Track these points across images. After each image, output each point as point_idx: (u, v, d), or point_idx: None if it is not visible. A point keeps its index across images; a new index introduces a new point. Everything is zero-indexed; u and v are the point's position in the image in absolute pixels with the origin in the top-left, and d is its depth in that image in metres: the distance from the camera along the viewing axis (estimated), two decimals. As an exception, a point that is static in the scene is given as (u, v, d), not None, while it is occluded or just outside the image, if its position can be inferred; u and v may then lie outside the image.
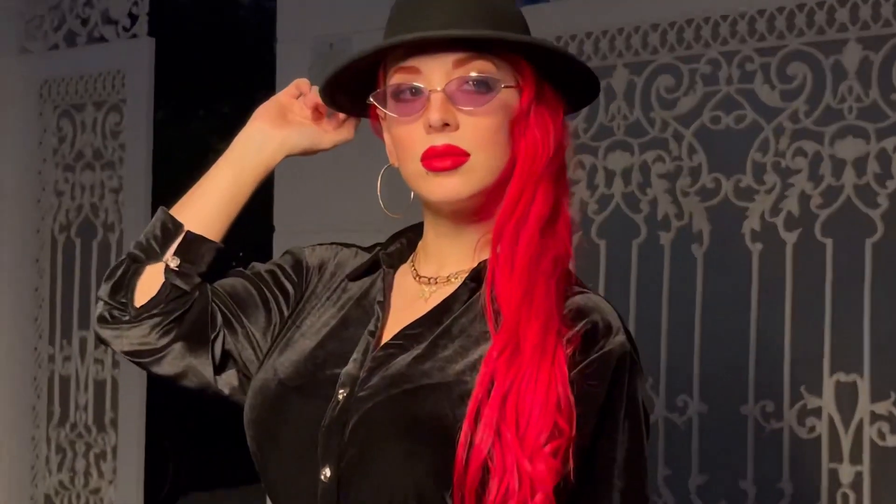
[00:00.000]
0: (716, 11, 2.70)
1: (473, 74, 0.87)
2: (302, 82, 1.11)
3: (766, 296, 2.66)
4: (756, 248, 2.61)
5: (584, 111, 2.84)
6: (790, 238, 2.61)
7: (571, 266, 0.94)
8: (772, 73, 2.67)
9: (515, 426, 0.79)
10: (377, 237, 1.12)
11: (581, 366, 0.83)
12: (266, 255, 3.46)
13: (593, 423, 0.84)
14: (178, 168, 4.93)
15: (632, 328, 2.83)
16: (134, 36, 3.88)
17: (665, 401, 2.81)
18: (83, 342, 4.19)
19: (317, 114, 1.08)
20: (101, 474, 4.07)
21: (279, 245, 3.39)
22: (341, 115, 1.08)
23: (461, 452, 0.78)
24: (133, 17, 3.96)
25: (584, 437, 0.82)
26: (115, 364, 4.02)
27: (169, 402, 5.02)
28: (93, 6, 4.13)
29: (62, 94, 4.26)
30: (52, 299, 4.24)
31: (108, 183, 4.05)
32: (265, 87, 3.79)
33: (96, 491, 4.06)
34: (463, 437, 0.77)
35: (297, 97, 1.09)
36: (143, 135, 3.87)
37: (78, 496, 4.15)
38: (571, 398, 0.80)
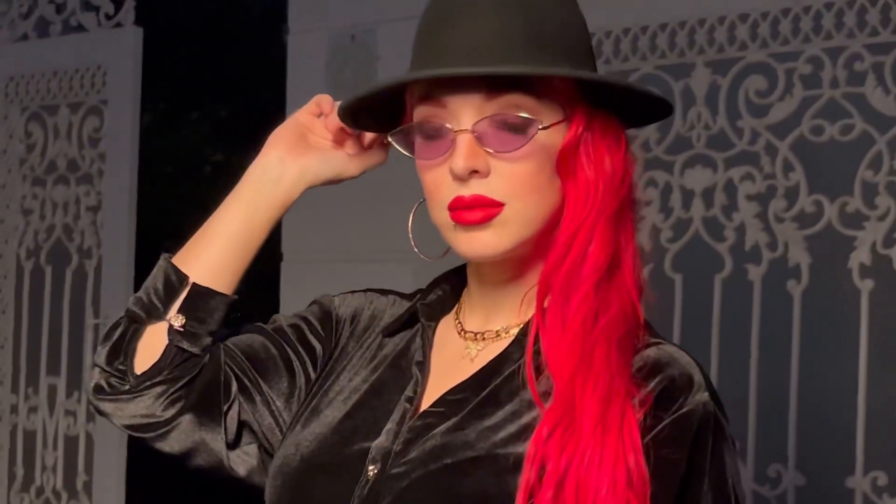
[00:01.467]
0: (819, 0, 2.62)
1: (506, 112, 0.87)
2: (323, 98, 1.09)
3: (877, 344, 2.58)
4: (866, 285, 2.54)
5: (657, 118, 2.80)
6: None
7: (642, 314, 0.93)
8: (886, 75, 2.56)
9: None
10: (401, 269, 1.06)
11: (656, 430, 0.82)
12: (272, 287, 3.42)
13: (672, 499, 0.83)
14: (167, 182, 4.84)
15: (712, 381, 2.86)
16: (118, 25, 3.85)
17: (754, 471, 2.76)
18: (52, 390, 4.07)
19: (342, 135, 1.06)
20: None
21: (288, 275, 3.43)
22: (368, 136, 1.07)
23: None
24: (117, 4, 3.88)
25: None
26: (91, 417, 3.94)
27: (153, 463, 5.23)
28: (70, -11, 4.07)
29: (31, 93, 4.20)
30: (17, 338, 4.19)
31: (85, 200, 3.99)
32: (272, 87, 3.81)
33: None
34: None
35: (318, 116, 1.07)
36: (127, 142, 3.84)
37: None
38: (645, 471, 0.79)
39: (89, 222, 3.95)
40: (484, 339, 0.98)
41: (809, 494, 2.73)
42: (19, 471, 4.16)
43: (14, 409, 4.16)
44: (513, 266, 0.94)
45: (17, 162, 4.24)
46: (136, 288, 1.11)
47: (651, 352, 0.88)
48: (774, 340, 2.74)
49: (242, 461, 1.07)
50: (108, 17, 3.97)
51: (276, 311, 1.23)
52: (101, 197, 3.92)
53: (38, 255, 4.15)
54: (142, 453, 4.24)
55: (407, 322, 1.06)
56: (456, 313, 1.04)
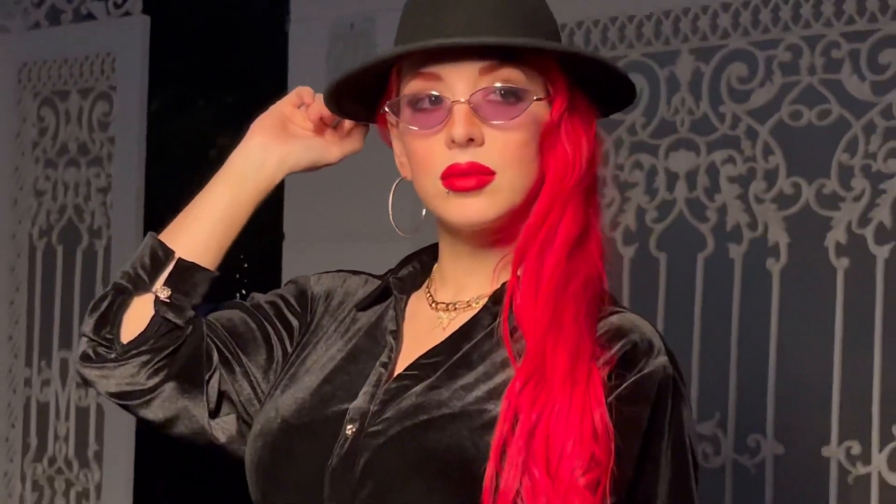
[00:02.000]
0: (799, -13, 2.69)
1: (501, 84, 0.90)
2: (303, 90, 1.14)
3: (852, 319, 2.65)
4: (841, 263, 2.60)
5: (644, 104, 2.90)
6: (882, 253, 2.58)
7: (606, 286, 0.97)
8: (862, 62, 2.64)
9: (546, 462, 0.82)
10: (398, 248, 1.15)
11: (619, 390, 0.86)
12: (274, 266, 3.52)
13: (634, 453, 0.87)
14: (174, 165, 4.91)
15: (695, 355, 2.94)
16: (126, 13, 3.88)
17: (734, 441, 2.82)
18: (64, 364, 4.15)
19: (321, 125, 1.12)
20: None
21: (289, 255, 3.50)
22: (347, 124, 1.12)
23: (487, 498, 0.80)
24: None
25: (624, 468, 0.85)
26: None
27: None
28: (80, -23, 4.11)
29: (44, 79, 4.23)
30: (30, 315, 4.26)
31: (96, 182, 4.04)
32: (275, 74, 3.91)
33: None
34: (487, 479, 0.80)
35: (299, 107, 1.12)
36: (135, 127, 3.89)
37: None
38: (609, 426, 0.83)
39: (99, 203, 3.99)
40: (455, 308, 1.02)
41: (787, 463, 2.82)
42: (33, 441, 4.21)
43: (28, 383, 4.22)
44: (490, 234, 0.98)
45: (30, 145, 4.27)
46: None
47: (614, 318, 0.93)
48: (754, 316, 2.81)
49: (222, 429, 1.10)
50: (117, 6, 3.99)
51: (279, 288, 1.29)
52: (110, 179, 3.95)
53: (49, 234, 4.18)
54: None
55: (379, 297, 1.10)
56: (427, 287, 1.08)
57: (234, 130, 1.26)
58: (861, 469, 2.66)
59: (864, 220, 2.64)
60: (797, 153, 2.74)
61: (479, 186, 0.90)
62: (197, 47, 5.10)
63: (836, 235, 2.67)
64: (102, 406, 4.03)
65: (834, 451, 2.67)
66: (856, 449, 2.65)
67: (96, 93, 4.06)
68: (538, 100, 0.93)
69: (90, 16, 4.09)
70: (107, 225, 3.99)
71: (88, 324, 1.09)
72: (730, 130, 2.79)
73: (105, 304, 1.08)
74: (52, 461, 4.19)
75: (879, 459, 2.69)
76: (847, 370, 2.72)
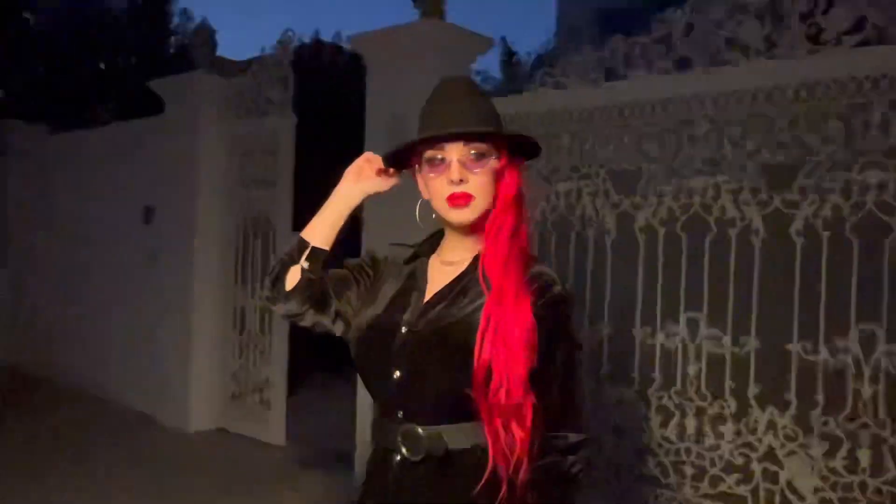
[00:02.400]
0: None
1: (474, 152, 1.25)
2: (369, 154, 1.44)
3: (628, 265, 3.94)
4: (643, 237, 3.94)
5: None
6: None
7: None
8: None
9: (504, 342, 1.18)
10: (420, 233, 1.51)
11: (538, 304, 1.24)
12: (357, 244, 4.23)
13: (546, 337, 1.23)
14: (307, 192, 5.42)
15: (587, 290, 4.15)
16: (283, 110, 5.36)
17: (588, 328, 4.07)
18: (254, 290, 5.65)
19: (379, 171, 1.41)
20: (265, 362, 5.65)
21: (365, 237, 4.52)
22: (391, 171, 1.41)
23: (476, 361, 1.18)
24: (277, 100, 5.38)
25: (542, 345, 1.21)
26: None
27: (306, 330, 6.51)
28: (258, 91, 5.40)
29: (245, 149, 5.79)
30: (240, 264, 5.82)
31: (267, 199, 5.52)
32: (360, 141, 4.89)
33: (263, 376, 5.60)
34: (476, 352, 1.18)
35: (366, 162, 1.41)
36: (288, 175, 5.40)
37: (251, 386, 5.70)
38: (535, 323, 1.21)
39: (269, 214, 5.48)
40: (453, 264, 1.38)
41: (615, 339, 4.06)
42: (246, 330, 5.83)
43: (237, 296, 5.79)
44: (470, 228, 1.32)
45: (239, 177, 5.86)
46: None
47: (535, 269, 1.30)
48: (601, 272, 4.07)
49: (338, 328, 1.45)
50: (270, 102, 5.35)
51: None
52: (275, 197, 5.47)
53: (246, 227, 5.71)
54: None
55: (412, 258, 1.46)
56: (437, 253, 1.43)
57: (337, 172, 1.51)
58: (649, 340, 3.94)
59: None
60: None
61: (466, 204, 1.26)
62: (321, 128, 6.53)
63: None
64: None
65: (641, 331, 3.97)
66: (655, 330, 3.94)
67: (267, 152, 5.55)
68: (494, 158, 1.27)
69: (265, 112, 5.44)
70: (271, 225, 5.45)
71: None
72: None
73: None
74: (247, 332, 5.77)
75: (660, 336, 3.88)
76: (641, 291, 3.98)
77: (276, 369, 5.55)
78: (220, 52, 6.38)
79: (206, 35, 5.90)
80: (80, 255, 7.32)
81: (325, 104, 8.07)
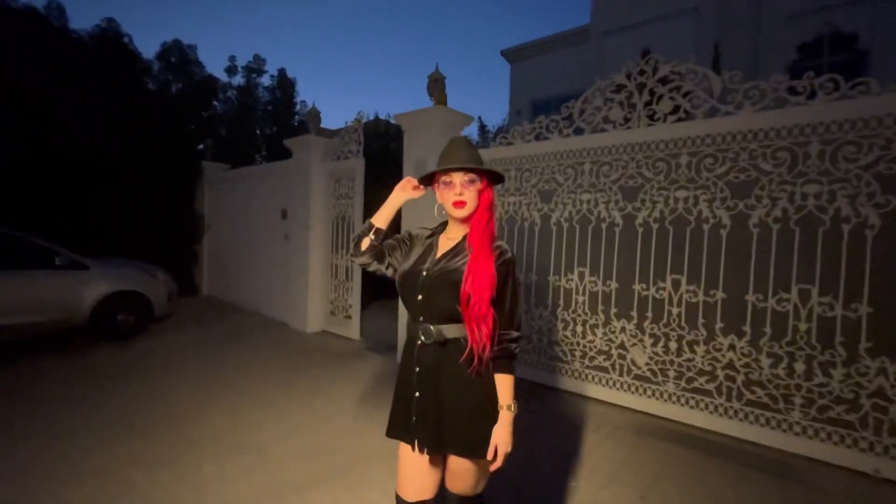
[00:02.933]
0: None
1: (468, 178, 1.27)
2: (409, 177, 1.42)
3: (547, 242, 3.91)
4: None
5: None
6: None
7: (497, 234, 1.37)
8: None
9: (478, 282, 1.21)
10: (431, 225, 1.48)
11: (498, 262, 1.25)
12: (397, 228, 4.11)
13: (501, 279, 1.25)
14: (370, 201, 6.43)
15: (524, 256, 4.10)
16: (357, 156, 5.33)
17: (527, 268, 4.10)
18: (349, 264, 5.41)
19: (414, 186, 1.40)
20: (348, 295, 5.40)
21: (403, 226, 4.35)
22: (421, 187, 1.40)
23: (462, 291, 1.22)
24: (354, 151, 5.23)
25: (499, 283, 1.24)
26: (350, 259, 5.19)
27: (367, 271, 5.44)
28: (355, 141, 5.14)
29: (336, 178, 5.60)
30: (333, 241, 5.65)
31: (349, 204, 5.43)
32: (401, 169, 4.96)
33: (348, 303, 5.49)
34: (462, 285, 1.23)
35: (407, 181, 1.41)
36: (360, 190, 5.30)
37: (341, 308, 5.52)
38: (495, 274, 1.23)
39: (352, 212, 5.29)
40: (452, 239, 1.36)
41: (539, 284, 4.02)
42: (337, 276, 5.56)
43: (332, 259, 5.54)
44: (462, 220, 1.31)
45: (333, 193, 5.60)
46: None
47: (497, 243, 1.29)
48: (542, 246, 4.17)
49: (389, 272, 1.42)
50: (356, 153, 5.24)
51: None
52: (353, 205, 5.30)
53: (337, 219, 5.46)
54: (367, 274, 5.36)
55: (430, 235, 1.42)
56: (444, 233, 1.40)
57: (387, 191, 1.49)
58: (562, 284, 3.90)
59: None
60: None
61: (462, 206, 1.27)
62: (377, 166, 6.43)
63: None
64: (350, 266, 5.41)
65: (553, 278, 3.98)
66: (561, 278, 3.92)
67: (348, 179, 5.40)
68: (478, 182, 1.28)
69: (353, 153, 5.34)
70: (353, 219, 5.32)
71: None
72: None
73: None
74: (339, 280, 5.55)
75: (564, 279, 3.87)
76: (553, 257, 3.98)
77: (354, 299, 5.48)
78: (322, 123, 6.37)
79: (315, 114, 5.79)
80: (247, 236, 7.23)
81: (379, 152, 8.09)
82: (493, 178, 1.33)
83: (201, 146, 8.69)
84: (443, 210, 1.35)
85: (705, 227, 3.21)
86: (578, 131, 3.86)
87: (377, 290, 7.42)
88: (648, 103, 3.45)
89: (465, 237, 1.31)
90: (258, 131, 11.32)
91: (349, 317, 5.54)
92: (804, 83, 2.84)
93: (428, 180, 1.37)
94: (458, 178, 1.27)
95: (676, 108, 3.33)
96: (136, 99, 7.32)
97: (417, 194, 1.40)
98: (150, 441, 2.84)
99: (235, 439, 2.89)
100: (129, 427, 3.01)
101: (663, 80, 3.40)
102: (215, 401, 3.50)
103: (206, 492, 2.34)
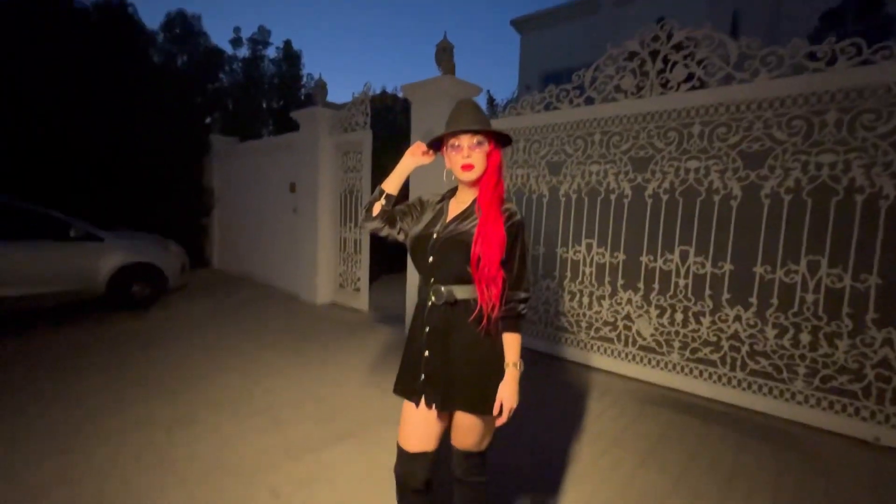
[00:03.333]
0: None
1: (476, 141, 1.25)
2: (419, 143, 1.39)
3: (555, 214, 3.91)
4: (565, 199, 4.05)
5: None
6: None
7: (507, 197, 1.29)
8: None
9: (487, 243, 1.19)
10: (441, 191, 1.45)
11: (507, 225, 1.24)
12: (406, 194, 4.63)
13: (510, 241, 1.23)
14: (377, 174, 6.21)
15: (532, 228, 4.10)
16: (365, 128, 5.20)
17: (534, 240, 4.12)
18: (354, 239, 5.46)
19: (424, 152, 1.37)
20: (357, 267, 5.55)
21: (412, 193, 4.52)
22: (431, 151, 1.37)
23: (472, 252, 1.21)
24: (361, 123, 5.21)
25: (508, 245, 1.23)
26: (359, 232, 5.35)
27: (375, 245, 6.07)
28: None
29: (344, 150, 5.50)
30: (341, 214, 5.65)
31: (356, 177, 5.39)
32: (408, 136, 4.79)
33: (356, 275, 5.51)
34: (472, 247, 1.21)
35: (417, 146, 1.38)
36: (367, 162, 5.22)
37: (350, 280, 5.54)
38: (504, 234, 1.21)
39: (360, 185, 5.18)
40: (462, 203, 1.34)
41: (546, 256, 4.06)
42: (345, 250, 5.57)
43: (342, 234, 5.53)
44: (471, 184, 1.30)
45: (342, 166, 5.54)
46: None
47: (506, 206, 1.27)
48: (551, 218, 4.19)
49: (401, 237, 1.41)
50: (363, 126, 5.06)
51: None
52: (361, 178, 5.24)
53: (347, 194, 5.50)
54: (373, 243, 5.58)
55: (441, 200, 1.41)
56: (455, 197, 1.38)
57: (394, 162, 1.47)
58: (569, 256, 3.92)
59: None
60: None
61: (470, 169, 1.26)
62: (384, 139, 6.28)
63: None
64: (360, 239, 5.37)
65: (560, 250, 4.01)
66: (569, 249, 3.93)
67: (356, 152, 5.36)
68: (486, 145, 1.26)
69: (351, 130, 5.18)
70: (358, 193, 5.20)
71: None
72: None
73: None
74: (347, 252, 5.57)
75: (571, 251, 3.88)
76: (561, 229, 3.96)
77: (363, 272, 5.50)
78: (328, 97, 6.23)
79: (322, 85, 5.70)
80: (256, 210, 7.23)
81: (386, 127, 8.01)
82: (500, 141, 1.32)
83: (208, 119, 8.63)
84: (452, 175, 1.33)
85: (716, 198, 3.18)
86: (589, 101, 3.79)
87: (385, 264, 7.42)
88: (661, 71, 3.37)
89: (474, 200, 1.30)
90: (264, 105, 11.19)
91: (358, 289, 5.55)
92: (824, 48, 2.74)
93: (437, 145, 1.35)
94: (465, 140, 1.26)
95: (690, 77, 3.24)
96: (142, 71, 7.24)
97: (427, 160, 1.39)
98: (169, 403, 2.95)
99: (250, 403, 2.99)
100: (149, 390, 3.12)
101: (677, 47, 3.30)
102: (230, 367, 3.60)
103: (223, 449, 2.44)
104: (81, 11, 6.97)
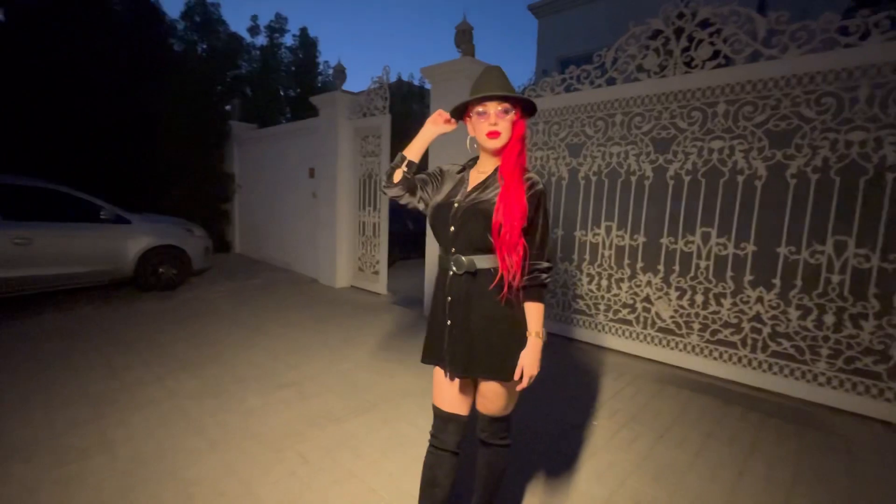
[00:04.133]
0: None
1: (502, 108, 1.23)
2: (441, 111, 1.36)
3: (574, 197, 3.89)
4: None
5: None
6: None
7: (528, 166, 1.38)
8: None
9: (509, 212, 1.19)
10: (463, 160, 1.45)
11: (528, 194, 1.24)
12: (425, 163, 4.30)
13: (532, 210, 1.23)
14: (394, 151, 6.38)
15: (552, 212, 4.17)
16: (383, 113, 5.24)
17: (553, 223, 4.14)
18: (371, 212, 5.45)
19: (446, 120, 1.35)
20: (375, 251, 5.49)
21: (431, 163, 4.65)
22: (453, 119, 1.35)
23: (493, 221, 1.21)
24: (380, 107, 5.11)
25: (529, 213, 1.23)
26: (378, 216, 5.35)
27: (395, 231, 6.44)
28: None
29: (363, 135, 5.59)
30: (360, 198, 5.67)
31: (375, 162, 5.31)
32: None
33: (375, 259, 5.51)
34: (494, 215, 1.21)
35: (439, 115, 1.35)
36: (386, 146, 5.25)
37: (368, 264, 5.58)
38: (526, 203, 1.21)
39: (375, 166, 5.26)
40: (484, 173, 1.33)
41: (565, 239, 4.02)
42: (363, 232, 5.61)
43: (359, 216, 5.61)
44: (495, 152, 1.28)
45: (360, 151, 5.59)
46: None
47: (528, 175, 1.26)
48: (570, 201, 4.16)
49: (421, 206, 1.39)
50: (382, 110, 5.15)
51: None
52: (379, 163, 5.31)
53: (364, 178, 5.49)
54: (391, 224, 5.87)
55: (461, 170, 1.40)
56: (476, 167, 1.37)
57: (415, 130, 1.40)
58: (588, 239, 3.91)
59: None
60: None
61: (497, 136, 1.24)
62: (402, 123, 6.48)
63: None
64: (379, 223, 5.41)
65: (579, 233, 3.98)
66: (587, 232, 3.90)
67: (375, 136, 5.39)
68: (512, 113, 1.24)
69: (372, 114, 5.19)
70: (377, 178, 5.33)
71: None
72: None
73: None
74: (366, 236, 5.62)
75: (590, 234, 3.80)
76: (579, 213, 3.89)
77: (381, 255, 5.51)
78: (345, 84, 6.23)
79: (341, 70, 5.70)
80: (276, 195, 7.28)
81: (403, 113, 8.01)
82: (525, 109, 1.30)
83: (228, 106, 8.75)
84: (475, 143, 1.32)
85: (739, 178, 3.13)
86: (610, 82, 3.74)
87: (404, 250, 7.48)
88: (686, 49, 3.31)
89: (496, 170, 1.29)
90: (282, 92, 11.29)
91: (377, 272, 5.57)
92: (858, 21, 2.67)
93: (459, 113, 1.34)
94: (492, 107, 1.24)
95: (716, 54, 3.18)
96: (164, 60, 7.39)
97: (449, 128, 1.37)
98: (197, 376, 3.06)
99: (274, 377, 3.08)
100: (179, 364, 3.24)
101: (703, 25, 3.23)
102: (254, 344, 3.70)
103: (250, 419, 2.53)
104: (107, 4, 7.16)
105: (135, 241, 4.93)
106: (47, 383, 2.85)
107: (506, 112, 1.23)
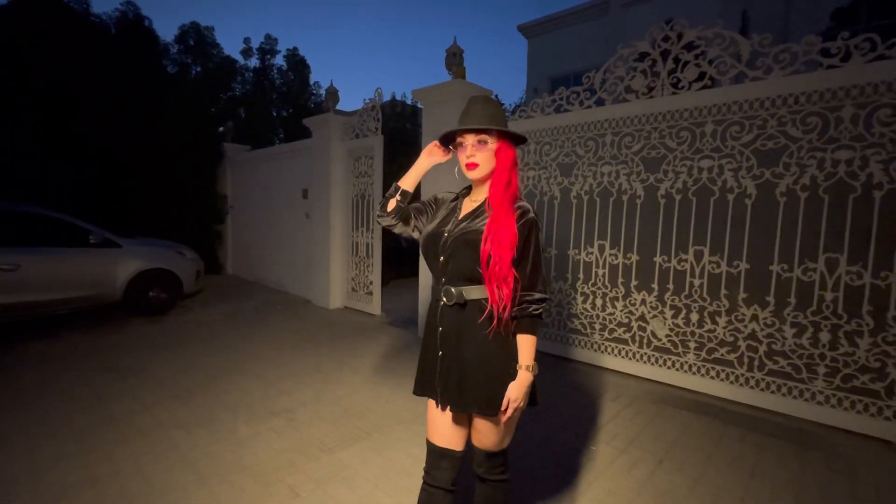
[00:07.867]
0: None
1: (478, 140, 1.24)
2: (435, 142, 1.37)
3: (566, 216, 3.86)
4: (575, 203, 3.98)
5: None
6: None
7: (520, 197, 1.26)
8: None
9: (498, 242, 1.17)
10: (457, 186, 1.52)
11: (519, 224, 1.21)
12: (418, 195, 4.72)
13: (523, 240, 1.20)
14: (389, 179, 5.53)
15: (544, 230, 4.09)
16: (376, 134, 5.22)
17: (546, 242, 4.06)
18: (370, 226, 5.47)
19: (441, 150, 1.37)
20: (369, 272, 5.53)
21: (423, 193, 4.60)
22: (446, 150, 1.37)
23: (483, 253, 1.19)
24: (372, 128, 5.17)
25: (520, 244, 1.20)
26: (371, 236, 5.33)
27: (389, 250, 6.42)
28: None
29: (356, 156, 5.52)
30: (353, 219, 5.65)
31: (367, 182, 5.35)
32: (419, 143, 5.03)
33: (368, 279, 5.52)
34: (482, 245, 1.19)
35: (433, 146, 1.37)
36: (378, 169, 5.25)
37: (362, 284, 5.51)
38: (517, 233, 1.19)
39: (372, 190, 5.22)
40: (475, 201, 1.34)
41: (559, 258, 3.99)
42: (357, 254, 5.57)
43: (353, 237, 5.52)
44: (482, 181, 1.30)
45: (352, 171, 5.57)
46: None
47: (519, 203, 1.25)
48: (562, 218, 4.11)
49: (415, 234, 1.41)
50: (374, 132, 5.12)
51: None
52: (372, 183, 5.29)
53: (358, 198, 5.46)
54: (386, 247, 6.00)
55: (454, 198, 1.40)
56: (469, 195, 1.38)
57: (404, 169, 1.43)
58: (582, 258, 3.89)
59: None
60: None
61: (474, 168, 1.25)
62: (394, 144, 6.63)
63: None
64: (372, 244, 5.34)
65: (573, 252, 3.96)
66: (581, 251, 3.89)
67: (367, 157, 5.38)
68: (492, 143, 1.24)
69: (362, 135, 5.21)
70: (369, 198, 5.21)
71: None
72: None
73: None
74: (359, 256, 5.53)
75: (583, 253, 3.84)
76: (569, 232, 3.87)
77: (375, 276, 5.49)
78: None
79: (333, 92, 5.74)
80: (269, 216, 7.27)
81: (396, 133, 8.07)
82: (515, 138, 1.29)
83: (221, 128, 8.80)
84: (462, 177, 1.34)
85: (730, 196, 3.16)
86: (599, 102, 3.84)
87: (397, 269, 7.42)
88: (673, 71, 3.37)
89: (487, 198, 1.28)
90: (274, 113, 11.37)
91: (370, 293, 5.55)
92: (838, 44, 2.73)
93: (448, 141, 1.34)
94: (469, 139, 1.24)
95: (702, 76, 3.24)
96: (158, 82, 7.43)
97: (444, 158, 1.37)
98: (188, 405, 2.99)
99: (266, 404, 3.03)
100: (167, 392, 3.17)
101: (688, 47, 3.30)
102: (246, 370, 3.65)
103: (241, 450, 2.47)
104: (100, 26, 7.22)
105: (124, 265, 4.88)
106: (30, 414, 2.79)
107: (482, 143, 1.22)
